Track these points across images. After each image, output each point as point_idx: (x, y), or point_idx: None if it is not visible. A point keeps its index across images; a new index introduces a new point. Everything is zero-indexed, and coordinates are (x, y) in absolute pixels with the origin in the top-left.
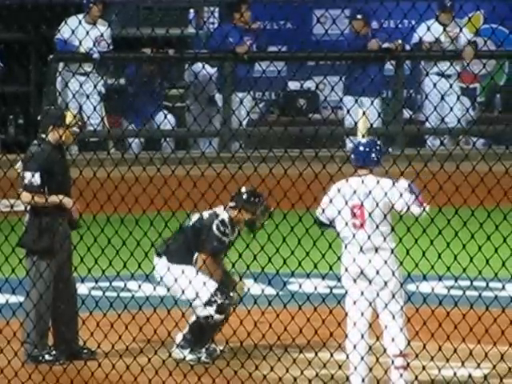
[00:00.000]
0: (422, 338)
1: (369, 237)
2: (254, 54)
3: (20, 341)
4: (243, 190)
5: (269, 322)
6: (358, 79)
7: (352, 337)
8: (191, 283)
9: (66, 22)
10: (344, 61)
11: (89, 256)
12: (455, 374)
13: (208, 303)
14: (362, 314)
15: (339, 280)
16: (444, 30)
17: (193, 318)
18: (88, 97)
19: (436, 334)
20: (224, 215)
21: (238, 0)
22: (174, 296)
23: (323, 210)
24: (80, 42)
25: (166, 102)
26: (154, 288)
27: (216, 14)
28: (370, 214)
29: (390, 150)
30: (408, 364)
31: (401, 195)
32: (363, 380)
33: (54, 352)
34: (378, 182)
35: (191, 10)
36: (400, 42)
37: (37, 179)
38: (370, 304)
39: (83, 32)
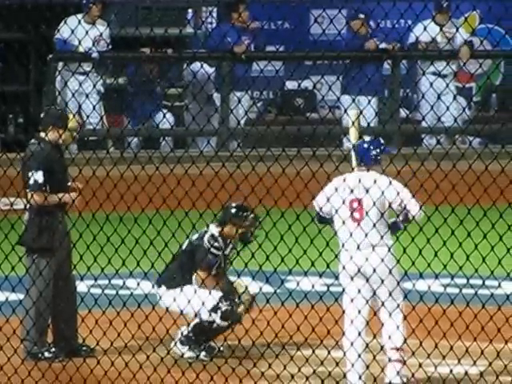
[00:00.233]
0: (418, 335)
1: (366, 235)
2: (252, 54)
3: (20, 338)
4: (230, 205)
5: (266, 319)
6: (356, 78)
7: (349, 334)
8: (195, 295)
9: (65, 22)
10: (341, 60)
11: (88, 254)
12: (451, 371)
13: (213, 309)
14: (359, 312)
15: (337, 278)
16: (441, 29)
17: (197, 320)
18: (87, 96)
19: (432, 331)
20: (214, 230)
21: (235, 0)
22: (184, 314)
23: (321, 209)
24: (79, 42)
25: (164, 102)
26: (153, 286)
27: (214, 14)
28: (368, 210)
29: (388, 149)
30: (404, 360)
31: (398, 193)
32: (360, 377)
33: (53, 349)
34: (375, 180)
35: (189, 10)
36: (397, 43)
37: (39, 177)
38: (367, 302)
39: (82, 32)
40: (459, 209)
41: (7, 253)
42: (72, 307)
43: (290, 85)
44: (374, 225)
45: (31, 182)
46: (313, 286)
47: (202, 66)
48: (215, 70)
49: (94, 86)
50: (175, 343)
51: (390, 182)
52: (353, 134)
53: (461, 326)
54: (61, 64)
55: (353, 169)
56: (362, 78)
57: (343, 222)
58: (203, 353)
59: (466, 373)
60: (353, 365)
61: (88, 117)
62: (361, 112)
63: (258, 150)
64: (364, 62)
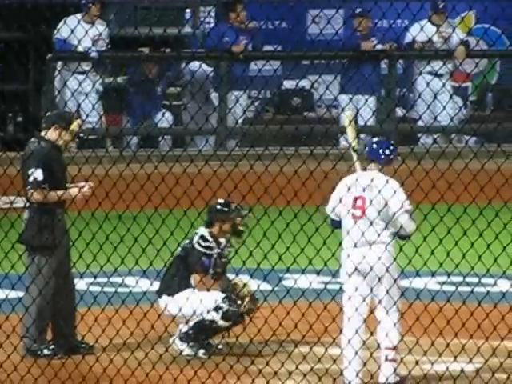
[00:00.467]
0: (415, 332)
1: (363, 233)
2: (250, 54)
3: (19, 336)
4: (212, 205)
5: (264, 317)
6: (354, 78)
7: (347, 332)
8: (196, 297)
9: (65, 22)
10: (338, 60)
11: (87, 252)
12: (447, 368)
13: (215, 309)
14: (357, 309)
15: (334, 276)
16: (437, 29)
17: (198, 318)
18: (87, 96)
19: (429, 328)
20: (203, 231)
21: (233, 0)
22: (188, 318)
23: (333, 209)
24: (79, 42)
25: (164, 101)
26: (151, 283)
27: (212, 14)
28: (373, 208)
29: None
30: (401, 358)
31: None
32: (357, 374)
33: (52, 346)
34: (387, 181)
35: (188, 10)
36: (393, 43)
37: (39, 175)
38: (364, 299)
39: (81, 31)
40: (455, 207)
41: (7, 251)
42: (71, 305)
43: (288, 84)
44: (372, 222)
45: (31, 179)
46: (310, 284)
47: (200, 66)
48: (213, 70)
49: (94, 85)
50: (174, 340)
51: (395, 192)
52: (350, 135)
53: (457, 324)
54: (60, 63)
55: (365, 168)
56: (359, 77)
57: (349, 219)
58: (202, 350)
59: (462, 370)
60: (350, 362)
61: (87, 116)
62: (357, 112)
63: (256, 148)
64: (361, 62)
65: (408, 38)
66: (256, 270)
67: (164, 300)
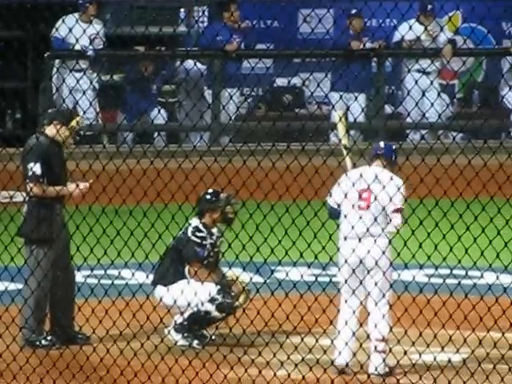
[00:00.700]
0: (403, 324)
1: (361, 228)
2: (243, 52)
3: (18, 326)
4: (201, 196)
5: (257, 308)
6: (345, 76)
7: (341, 318)
8: (191, 288)
9: (63, 21)
10: (329, 58)
11: (85, 245)
12: (435, 358)
13: (210, 301)
14: (354, 292)
15: (324, 268)
16: (425, 29)
17: (194, 309)
18: (84, 92)
19: (417, 320)
20: (196, 222)
21: (227, 0)
22: (181, 308)
23: (331, 195)
24: (76, 40)
25: (159, 98)
26: (147, 276)
27: (206, 13)
28: (376, 201)
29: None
30: (390, 349)
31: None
32: (347, 343)
33: (49, 337)
34: (391, 177)
35: (182, 10)
36: (383, 42)
37: (38, 169)
38: (354, 291)
39: (79, 30)
40: (443, 202)
41: (6, 244)
42: (69, 297)
43: (280, 82)
44: (375, 217)
45: (29, 173)
46: (301, 276)
47: (195, 64)
48: (207, 68)
49: (91, 82)
50: (169, 331)
51: (399, 188)
52: (341, 133)
53: (444, 315)
54: (58, 61)
55: (367, 165)
56: (350, 75)
57: (353, 211)
58: (196, 341)
59: (450, 360)
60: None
61: (84, 113)
62: (348, 109)
63: (249, 144)
64: (351, 61)
65: (397, 37)
66: (249, 263)
67: (159, 291)
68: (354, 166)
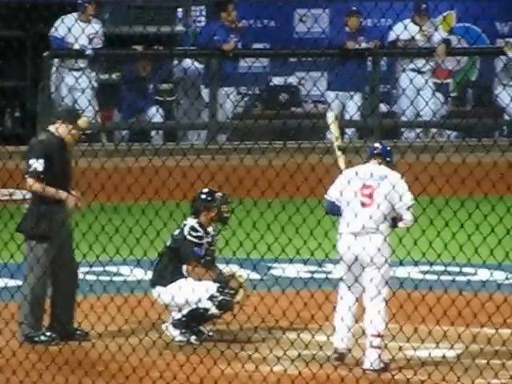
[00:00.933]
0: (398, 320)
1: (364, 222)
2: (240, 51)
3: (17, 322)
4: (197, 195)
5: (253, 304)
6: (341, 75)
7: (339, 310)
8: (190, 287)
9: (62, 21)
10: (324, 57)
11: (83, 242)
12: (430, 354)
13: (209, 298)
14: (350, 288)
15: (320, 265)
16: (420, 29)
17: (193, 306)
18: (83, 91)
19: (412, 316)
20: (192, 222)
21: (224, 0)
22: (181, 307)
23: (336, 200)
24: (75, 40)
25: (156, 96)
26: (145, 273)
27: (204, 13)
28: (377, 197)
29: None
30: (385, 345)
31: (400, 197)
32: (345, 338)
33: (48, 333)
34: (388, 174)
35: (180, 9)
36: (378, 41)
37: (39, 166)
38: (349, 287)
39: (78, 30)
40: (437, 199)
41: (6, 241)
42: (71, 294)
43: (276, 81)
44: (374, 212)
45: (31, 169)
46: (298, 273)
47: (192, 63)
48: (204, 67)
49: (90, 81)
50: (167, 327)
51: (395, 184)
52: (334, 134)
53: (439, 311)
54: (57, 61)
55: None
56: (345, 74)
57: (354, 208)
58: (193, 337)
59: (444, 356)
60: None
61: (83, 111)
62: (344, 107)
63: (246, 142)
64: (346, 60)
65: (392, 36)
66: (246, 260)
67: (157, 290)
68: (347, 166)
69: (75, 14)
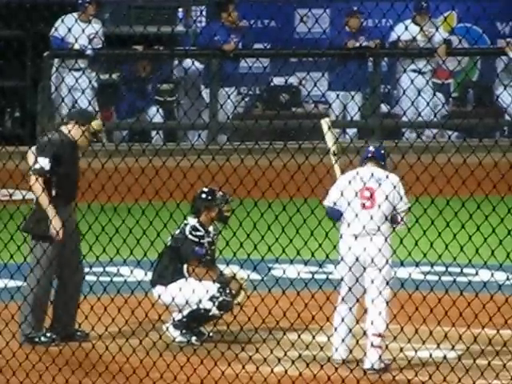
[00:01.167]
0: (399, 320)
1: (365, 224)
2: (240, 52)
3: (18, 323)
4: (197, 194)
5: (254, 305)
6: (342, 75)
7: (340, 310)
8: (191, 287)
9: (62, 21)
10: (325, 58)
11: (84, 243)
12: (431, 355)
13: (210, 299)
14: (350, 289)
15: (321, 266)
16: (421, 29)
17: (194, 307)
18: (83, 91)
19: (413, 317)
20: (193, 221)
21: (226, 0)
22: (182, 308)
23: (334, 204)
24: (76, 40)
25: (157, 97)
26: (146, 273)
27: (204, 13)
28: (379, 199)
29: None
30: (386, 345)
31: (401, 198)
32: (343, 340)
33: (49, 334)
34: (387, 176)
35: (180, 9)
36: (379, 42)
37: (46, 164)
38: (350, 288)
39: (78, 30)
40: (438, 200)
41: (6, 241)
42: (74, 295)
43: (277, 81)
44: (375, 214)
45: (37, 166)
46: (298, 274)
47: (193, 63)
48: (205, 67)
49: (90, 81)
50: (167, 327)
51: (395, 185)
52: (329, 140)
53: (440, 312)
54: (57, 61)
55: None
56: (346, 74)
57: (355, 210)
58: (194, 337)
59: (445, 357)
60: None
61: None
62: (344, 107)
63: (246, 143)
64: (347, 60)
65: (393, 37)
66: (246, 261)
67: (158, 290)
68: (343, 171)
69: (75, 14)
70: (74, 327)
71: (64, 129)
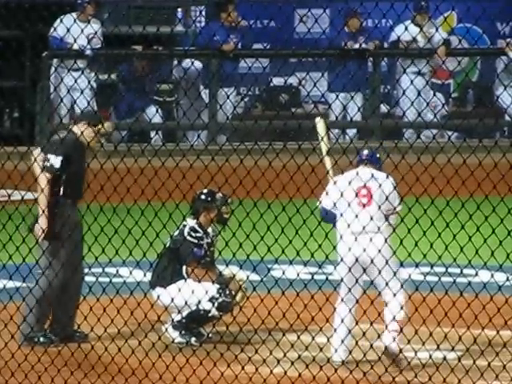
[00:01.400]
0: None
1: (365, 222)
2: (240, 52)
3: (17, 324)
4: (197, 195)
5: (253, 306)
6: (341, 75)
7: (339, 311)
8: (190, 288)
9: (61, 21)
10: (325, 58)
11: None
12: (431, 356)
13: (209, 300)
14: (350, 290)
15: (320, 267)
16: (421, 30)
17: (193, 308)
18: (82, 92)
19: (412, 318)
20: (192, 223)
21: (225, 0)
22: (181, 309)
23: (327, 193)
24: (74, 40)
25: (156, 97)
26: (145, 274)
27: (203, 13)
28: (375, 198)
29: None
30: (401, 329)
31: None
32: (343, 341)
33: (48, 334)
34: (387, 176)
35: (180, 9)
36: (379, 42)
37: (57, 163)
38: (349, 288)
39: (77, 30)
40: (438, 200)
41: (5, 242)
42: (74, 296)
43: (276, 81)
44: (374, 213)
45: (47, 163)
46: (298, 275)
47: (192, 63)
48: (204, 67)
49: (89, 82)
50: (166, 328)
51: (395, 186)
52: (324, 140)
53: (440, 313)
54: (56, 61)
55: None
56: (346, 74)
57: (353, 209)
58: (193, 338)
59: (445, 358)
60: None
61: (82, 111)
62: (344, 107)
63: (246, 143)
64: (347, 60)
65: (393, 37)
66: (245, 261)
67: (157, 291)
68: (339, 173)
69: (74, 14)
70: (73, 328)
71: (75, 129)
